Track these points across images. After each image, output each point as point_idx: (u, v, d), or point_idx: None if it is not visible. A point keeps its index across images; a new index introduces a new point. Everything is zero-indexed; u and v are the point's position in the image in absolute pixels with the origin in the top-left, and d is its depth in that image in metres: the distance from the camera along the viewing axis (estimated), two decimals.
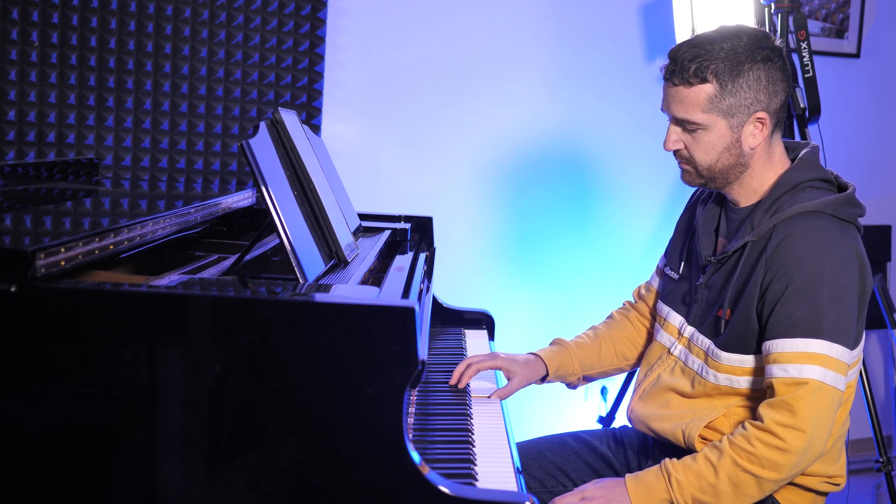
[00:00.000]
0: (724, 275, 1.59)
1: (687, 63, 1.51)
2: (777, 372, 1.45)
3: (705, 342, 1.60)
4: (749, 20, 2.57)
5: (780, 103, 1.55)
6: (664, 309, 1.74)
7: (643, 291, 1.90)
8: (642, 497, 1.46)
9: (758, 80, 1.51)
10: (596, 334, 1.88)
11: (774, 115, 1.55)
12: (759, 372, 1.54)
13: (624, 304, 1.95)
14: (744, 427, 1.46)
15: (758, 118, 1.53)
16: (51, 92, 2.46)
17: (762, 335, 1.50)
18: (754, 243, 1.53)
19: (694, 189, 1.79)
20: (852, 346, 1.47)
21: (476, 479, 1.32)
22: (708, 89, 1.50)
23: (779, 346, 1.45)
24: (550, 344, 1.87)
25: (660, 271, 1.85)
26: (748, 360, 1.54)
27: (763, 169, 1.58)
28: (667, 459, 1.50)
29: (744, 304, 1.52)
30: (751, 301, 1.51)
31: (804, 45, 2.55)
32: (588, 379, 1.87)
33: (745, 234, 1.54)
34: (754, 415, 1.50)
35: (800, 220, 1.49)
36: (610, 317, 1.93)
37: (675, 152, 1.60)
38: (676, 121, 1.56)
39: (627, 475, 1.51)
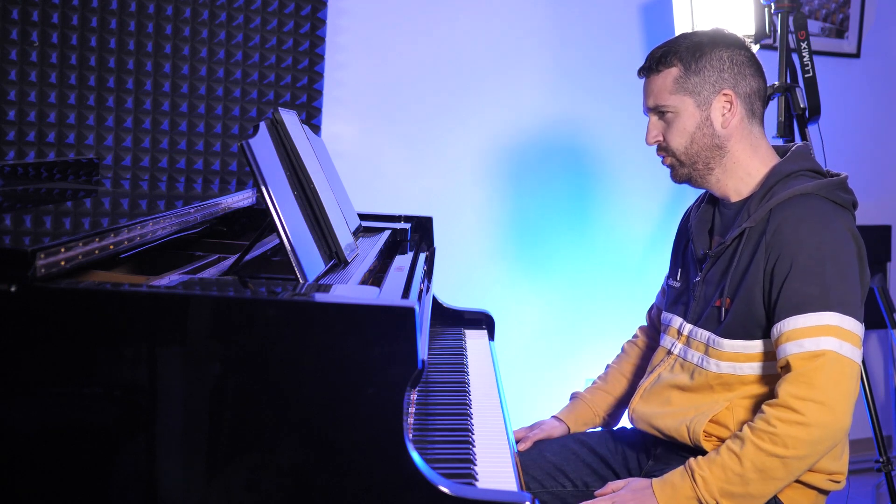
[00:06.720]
0: (722, 266, 1.61)
1: (656, 56, 1.63)
2: (793, 348, 1.45)
3: (705, 334, 1.61)
4: (749, 20, 2.56)
5: (752, 90, 1.62)
6: (666, 317, 1.77)
7: (653, 313, 1.95)
8: (668, 497, 1.47)
9: (721, 60, 1.60)
10: (607, 375, 1.94)
11: (746, 99, 1.61)
12: (763, 357, 1.55)
13: (635, 333, 1.98)
14: (762, 410, 1.46)
15: (724, 94, 1.59)
16: (51, 92, 2.46)
17: (770, 318, 1.51)
18: (751, 230, 1.56)
19: (698, 194, 1.81)
20: (862, 322, 1.49)
21: (476, 479, 1.32)
22: (673, 72, 1.61)
23: (791, 324, 1.46)
24: (570, 399, 1.94)
25: (663, 290, 1.88)
26: (751, 346, 1.55)
27: (748, 157, 1.62)
28: (691, 458, 1.50)
29: (745, 290, 1.53)
30: (753, 287, 1.52)
31: (804, 45, 2.55)
32: (617, 416, 1.92)
33: (741, 223, 1.57)
34: (760, 404, 1.50)
35: (795, 202, 1.53)
36: (622, 350, 1.98)
37: (658, 148, 1.67)
38: (652, 111, 1.65)
39: (654, 478, 1.51)
